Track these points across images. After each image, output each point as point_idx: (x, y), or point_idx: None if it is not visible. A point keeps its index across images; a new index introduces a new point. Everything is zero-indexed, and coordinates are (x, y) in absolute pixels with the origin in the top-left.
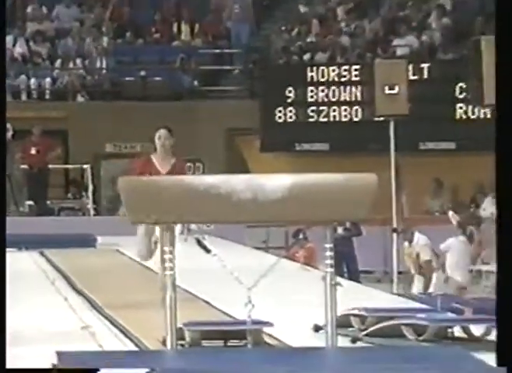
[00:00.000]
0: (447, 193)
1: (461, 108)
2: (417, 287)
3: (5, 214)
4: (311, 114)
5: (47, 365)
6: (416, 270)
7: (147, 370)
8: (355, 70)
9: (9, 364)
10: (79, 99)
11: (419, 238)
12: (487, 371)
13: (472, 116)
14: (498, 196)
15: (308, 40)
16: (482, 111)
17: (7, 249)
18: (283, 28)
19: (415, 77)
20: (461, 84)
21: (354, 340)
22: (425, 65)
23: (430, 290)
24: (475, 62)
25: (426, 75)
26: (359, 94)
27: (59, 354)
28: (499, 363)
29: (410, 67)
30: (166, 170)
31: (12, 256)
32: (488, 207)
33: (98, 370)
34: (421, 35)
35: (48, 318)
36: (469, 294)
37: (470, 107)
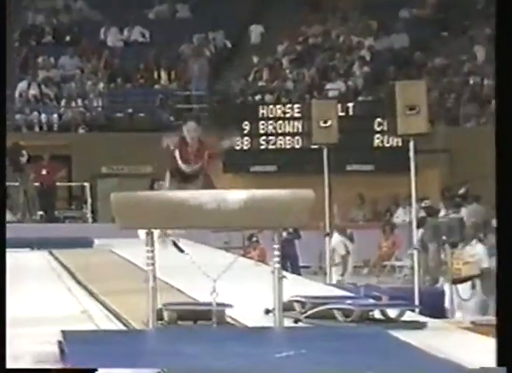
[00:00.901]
0: (368, 205)
1: (378, 138)
2: (334, 275)
3: (4, 219)
4: (262, 143)
5: (53, 342)
6: (333, 262)
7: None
8: (297, 108)
9: (21, 342)
10: (80, 130)
11: (336, 237)
12: (487, 371)
13: (387, 145)
14: (498, 198)
15: (260, 84)
16: (395, 140)
17: (22, 250)
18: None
19: (343, 114)
20: (378, 119)
21: (296, 321)
22: (350, 104)
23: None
24: (390, 102)
25: (351, 112)
26: (300, 127)
27: (63, 333)
28: (499, 363)
29: (339, 106)
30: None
31: (26, 255)
32: (400, 216)
33: (96, 370)
34: (347, 80)
35: (54, 304)
36: (386, 284)
37: (385, 137)
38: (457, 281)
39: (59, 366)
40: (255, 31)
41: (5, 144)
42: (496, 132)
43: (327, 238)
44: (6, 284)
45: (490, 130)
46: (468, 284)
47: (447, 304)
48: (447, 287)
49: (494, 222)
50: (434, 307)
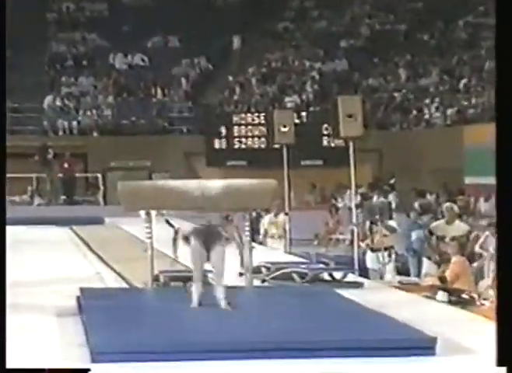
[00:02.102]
0: (318, 192)
1: (325, 140)
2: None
3: (5, 212)
4: (236, 143)
5: (73, 296)
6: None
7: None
8: (262, 116)
9: (47, 298)
10: (94, 134)
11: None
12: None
13: (332, 145)
14: (498, 198)
15: (234, 97)
16: (338, 141)
17: (49, 226)
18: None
19: (298, 121)
20: (325, 125)
21: (263, 281)
22: (303, 114)
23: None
24: (334, 112)
25: (304, 120)
26: (265, 131)
27: (81, 290)
28: (499, 363)
29: (295, 114)
30: None
31: (52, 230)
32: (342, 200)
33: (89, 370)
34: (301, 95)
35: (74, 267)
36: (332, 253)
37: (331, 139)
38: (375, 250)
39: (76, 318)
40: (231, 56)
41: (5, 137)
42: (497, 131)
43: (286, 217)
44: (6, 284)
45: (410, 133)
46: (386, 252)
47: (368, 265)
48: (369, 254)
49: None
50: (364, 269)
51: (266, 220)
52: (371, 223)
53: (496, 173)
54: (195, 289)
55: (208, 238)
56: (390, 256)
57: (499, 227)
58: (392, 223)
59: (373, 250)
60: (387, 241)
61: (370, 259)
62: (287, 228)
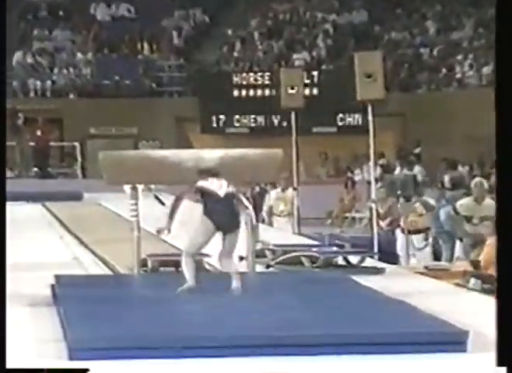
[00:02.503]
0: (331, 163)
1: (340, 103)
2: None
3: (5, 200)
4: (236, 108)
5: (47, 284)
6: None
7: None
8: (267, 76)
9: (18, 286)
10: (71, 96)
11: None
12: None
13: (348, 109)
14: (498, 197)
15: (234, 54)
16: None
17: (19, 203)
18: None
19: (308, 81)
20: (340, 86)
21: (267, 267)
22: (315, 73)
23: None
24: (350, 71)
25: (315, 80)
26: (269, 93)
27: (56, 277)
28: (499, 363)
29: (304, 74)
30: None
31: (22, 207)
32: (360, 173)
33: (88, 370)
34: (311, 51)
35: (48, 251)
36: (347, 233)
37: (347, 102)
38: (412, 232)
39: (52, 309)
40: (231, 7)
41: (5, 130)
42: (497, 132)
43: (295, 192)
44: (6, 284)
45: (439, 95)
46: (422, 235)
47: (399, 251)
48: (401, 237)
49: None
50: (392, 254)
51: (272, 195)
52: (405, 199)
53: (496, 173)
54: (190, 265)
55: (223, 208)
56: (426, 239)
57: (500, 227)
58: (430, 199)
59: (405, 232)
60: (421, 221)
61: (401, 244)
62: (295, 204)
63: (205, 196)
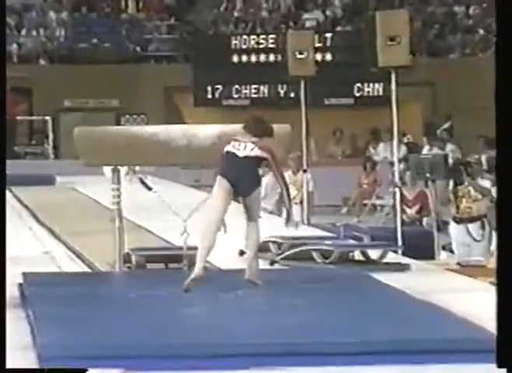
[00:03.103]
0: (347, 141)
1: (358, 70)
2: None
3: (4, 193)
4: (235, 75)
5: (14, 283)
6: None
7: None
8: (272, 39)
9: None
10: (41, 62)
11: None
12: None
13: (367, 77)
14: (498, 196)
15: (233, 14)
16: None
17: None
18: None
19: (321, 45)
20: (358, 51)
21: (272, 263)
22: (328, 35)
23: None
24: (370, 33)
25: (328, 44)
26: (275, 59)
27: (24, 275)
28: (500, 364)
29: (316, 37)
30: None
31: None
32: (381, 152)
33: (86, 370)
34: (325, 10)
35: (15, 245)
36: (366, 224)
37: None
38: (468, 220)
39: (19, 312)
40: None
41: (6, 127)
42: (497, 131)
43: (304, 175)
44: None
45: (475, 61)
46: (478, 223)
47: (454, 246)
48: (434, 227)
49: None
50: (419, 248)
51: None
52: (455, 183)
53: (496, 173)
54: (206, 250)
55: (240, 169)
56: (483, 228)
57: (499, 226)
58: (485, 182)
59: (457, 221)
60: (476, 207)
61: (455, 235)
62: (306, 189)
63: (224, 158)
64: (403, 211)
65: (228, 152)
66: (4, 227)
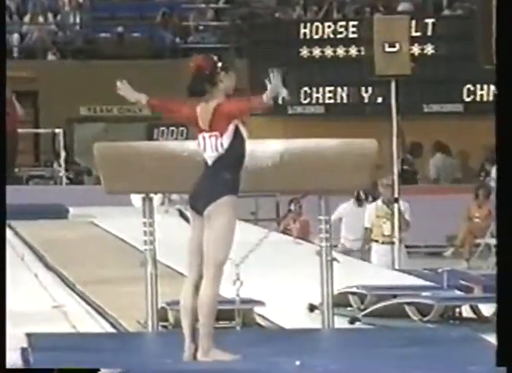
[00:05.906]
0: (452, 161)
1: (469, 68)
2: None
3: (4, 230)
4: (305, 75)
5: (15, 347)
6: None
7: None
8: (353, 26)
9: None
10: (50, 57)
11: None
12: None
13: (481, 76)
14: (498, 195)
15: None
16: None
17: None
18: None
19: (418, 34)
20: (469, 41)
21: (352, 321)
22: (429, 21)
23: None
24: (485, 18)
25: (430, 32)
26: (356, 52)
27: (29, 336)
28: (499, 363)
29: (413, 23)
30: None
31: None
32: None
33: (99, 370)
34: None
35: (17, 297)
36: (478, 269)
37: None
38: None
39: None
40: None
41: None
42: (497, 132)
43: (395, 205)
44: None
45: None
46: None
47: None
48: None
49: None
50: None
51: (371, 211)
52: None
53: (496, 173)
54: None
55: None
56: None
57: (499, 225)
58: None
59: None
60: None
61: None
62: (396, 223)
63: None
64: None
65: None
66: (4, 272)
